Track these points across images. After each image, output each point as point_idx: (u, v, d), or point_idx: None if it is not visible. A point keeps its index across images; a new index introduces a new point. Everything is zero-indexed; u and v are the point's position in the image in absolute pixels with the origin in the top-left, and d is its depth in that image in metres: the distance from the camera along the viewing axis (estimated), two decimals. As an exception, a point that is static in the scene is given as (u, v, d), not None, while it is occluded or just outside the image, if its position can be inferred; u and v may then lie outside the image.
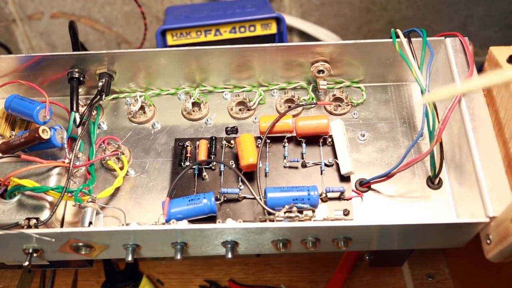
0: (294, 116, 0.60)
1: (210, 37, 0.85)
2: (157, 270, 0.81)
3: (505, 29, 1.11)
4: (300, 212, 0.49)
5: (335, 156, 0.56)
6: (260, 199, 0.52)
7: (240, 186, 0.55)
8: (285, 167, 0.57)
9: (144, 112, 0.63)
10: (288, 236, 0.48)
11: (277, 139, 0.58)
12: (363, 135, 0.60)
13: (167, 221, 0.51)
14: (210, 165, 0.57)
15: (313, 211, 0.50)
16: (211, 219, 0.53)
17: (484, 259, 0.47)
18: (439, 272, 0.76)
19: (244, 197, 0.55)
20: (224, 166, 0.56)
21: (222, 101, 0.64)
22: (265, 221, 0.49)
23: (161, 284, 0.79)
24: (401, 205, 0.55)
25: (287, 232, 0.47)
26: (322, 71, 0.60)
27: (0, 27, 1.11)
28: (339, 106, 0.62)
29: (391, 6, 1.09)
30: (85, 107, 0.60)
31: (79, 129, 0.59)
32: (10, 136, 0.60)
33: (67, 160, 0.56)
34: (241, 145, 0.55)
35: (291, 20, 1.07)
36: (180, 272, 0.80)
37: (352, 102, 0.62)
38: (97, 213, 0.54)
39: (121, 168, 0.57)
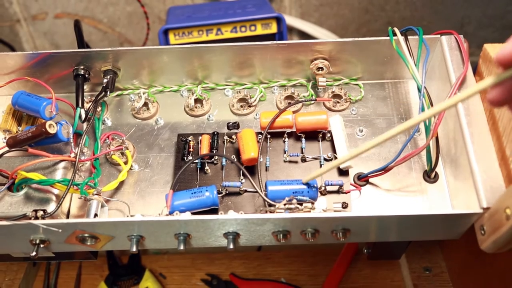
0: (294, 112, 0.61)
1: (212, 36, 0.87)
2: (159, 264, 0.82)
3: (502, 30, 1.12)
4: (300, 204, 0.50)
5: (334, 151, 0.57)
6: (261, 192, 0.53)
7: (242, 179, 0.57)
8: (285, 161, 0.58)
9: (148, 109, 0.64)
10: (288, 227, 0.49)
11: (277, 134, 0.60)
12: (361, 131, 0.61)
13: (171, 213, 0.51)
14: (212, 159, 0.58)
15: (313, 203, 0.51)
16: (213, 212, 0.54)
17: (479, 252, 0.49)
18: (435, 265, 0.77)
19: (246, 190, 0.56)
20: (226, 160, 0.58)
21: (223, 97, 0.66)
22: (265, 212, 0.50)
23: (163, 278, 0.81)
24: (398, 198, 0.56)
25: (287, 223, 0.49)
26: (322, 69, 0.62)
27: (5, 27, 1.12)
28: (338, 102, 0.64)
29: (390, 7, 1.10)
30: (90, 103, 0.61)
31: (85, 125, 0.60)
32: (17, 132, 0.61)
33: (72, 155, 0.57)
34: (242, 139, 0.56)
35: (291, 20, 1.09)
36: (182, 266, 0.81)
37: (350, 98, 0.64)
38: (102, 206, 0.55)
39: (125, 163, 0.58)
